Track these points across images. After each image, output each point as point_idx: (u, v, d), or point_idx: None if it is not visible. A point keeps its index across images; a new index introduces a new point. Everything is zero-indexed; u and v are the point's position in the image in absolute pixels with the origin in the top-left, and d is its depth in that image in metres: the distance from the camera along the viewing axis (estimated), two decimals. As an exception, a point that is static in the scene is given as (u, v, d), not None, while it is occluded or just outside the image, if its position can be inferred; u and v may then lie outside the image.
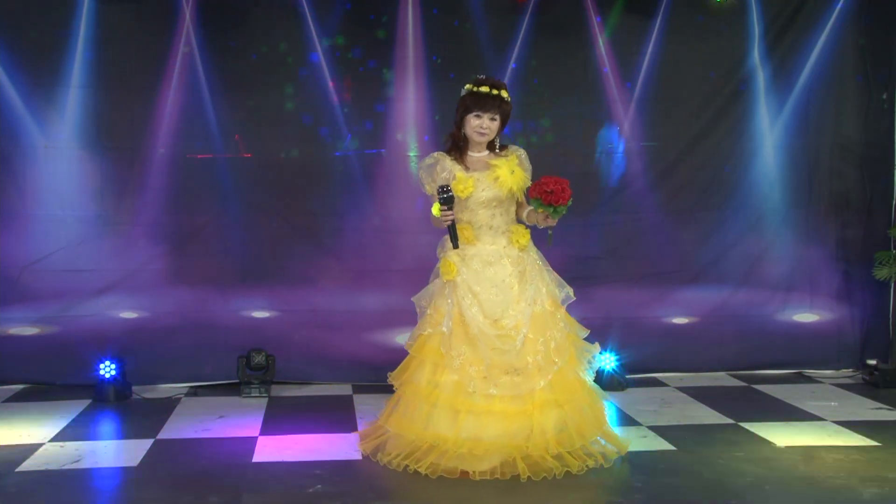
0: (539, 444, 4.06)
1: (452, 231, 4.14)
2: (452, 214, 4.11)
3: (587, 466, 4.10)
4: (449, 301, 4.21)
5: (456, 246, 4.16)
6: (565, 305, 4.38)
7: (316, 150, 6.05)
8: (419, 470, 4.02)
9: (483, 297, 4.17)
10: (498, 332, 4.13)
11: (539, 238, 4.42)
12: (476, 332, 4.12)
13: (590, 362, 4.34)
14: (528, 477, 3.95)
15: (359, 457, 4.35)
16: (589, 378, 4.34)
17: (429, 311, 4.30)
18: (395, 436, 4.23)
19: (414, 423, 4.14)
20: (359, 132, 6.06)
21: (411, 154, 6.04)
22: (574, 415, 4.20)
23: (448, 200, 4.08)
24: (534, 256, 4.34)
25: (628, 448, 4.37)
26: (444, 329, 4.16)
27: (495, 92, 4.22)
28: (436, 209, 4.13)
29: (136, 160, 5.88)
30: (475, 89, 4.24)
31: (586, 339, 4.41)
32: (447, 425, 4.07)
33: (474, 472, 4.00)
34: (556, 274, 4.41)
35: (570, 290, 4.39)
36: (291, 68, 6.00)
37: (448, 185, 4.10)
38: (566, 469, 4.03)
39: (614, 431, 4.49)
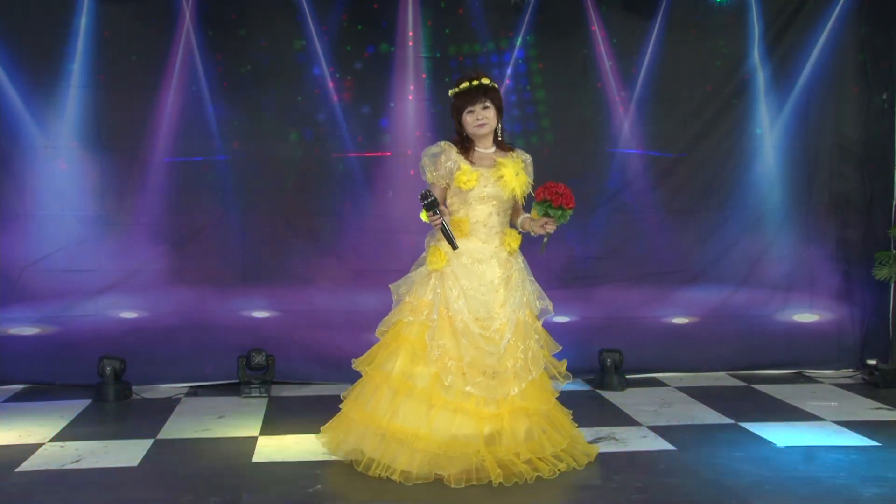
0: (511, 448, 4.04)
1: (446, 233, 4.10)
2: (439, 218, 4.06)
3: (559, 471, 4.06)
4: (436, 291, 4.15)
5: (455, 247, 4.12)
6: (542, 319, 4.33)
7: (316, 150, 6.06)
8: (392, 478, 3.94)
9: (470, 293, 4.14)
10: (482, 332, 4.10)
11: (528, 248, 4.39)
12: (460, 326, 4.08)
13: (555, 379, 4.31)
14: (500, 483, 3.89)
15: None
16: (554, 393, 4.31)
17: (407, 300, 4.21)
18: (360, 426, 4.13)
19: (379, 412, 4.05)
20: (359, 131, 6.06)
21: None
22: (542, 424, 4.19)
23: (431, 205, 4.00)
24: (521, 264, 4.31)
25: (597, 452, 4.34)
26: (435, 316, 4.10)
27: (476, 83, 4.19)
28: (424, 216, 4.08)
29: (137, 160, 5.88)
30: (457, 90, 4.23)
31: (556, 355, 4.35)
32: (419, 420, 4.00)
33: (449, 476, 3.94)
34: (537, 285, 4.35)
35: (549, 304, 4.33)
36: (291, 68, 6.00)
37: (428, 190, 4.04)
38: (537, 473, 3.99)
39: (582, 437, 4.44)
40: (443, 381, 4.03)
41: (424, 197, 4.00)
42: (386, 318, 4.27)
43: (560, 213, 4.05)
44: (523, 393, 4.13)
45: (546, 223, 4.10)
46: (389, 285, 4.31)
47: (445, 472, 3.96)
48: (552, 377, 4.31)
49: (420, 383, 4.06)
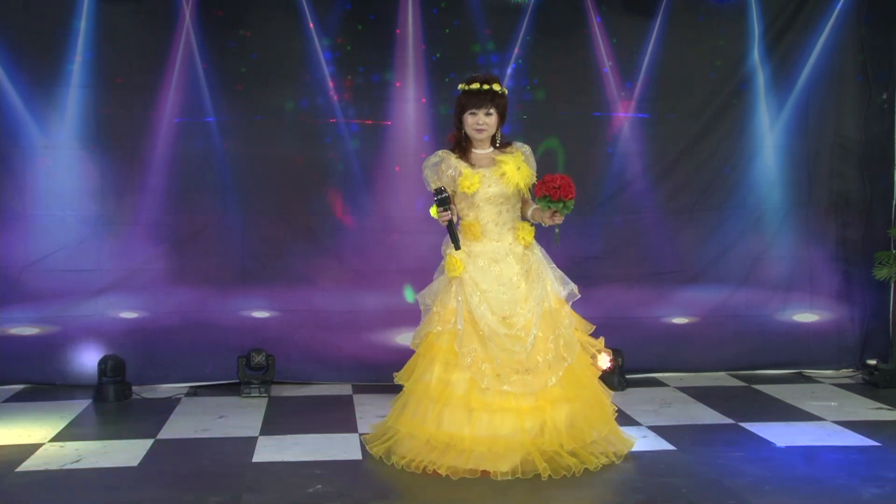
0: (553, 439, 4.07)
1: (452, 232, 4.13)
2: (449, 215, 4.10)
3: (601, 464, 4.12)
4: (458, 298, 4.19)
5: (458, 247, 4.16)
6: (570, 302, 4.38)
7: (316, 150, 6.05)
8: (439, 472, 4.00)
9: (490, 295, 4.17)
10: (508, 332, 4.13)
11: (544, 237, 4.41)
12: (486, 330, 4.11)
13: (595, 357, 4.35)
14: (549, 475, 3.95)
15: (359, 457, 4.35)
16: (596, 373, 4.35)
17: (435, 309, 4.27)
18: (406, 436, 4.19)
19: (426, 423, 4.12)
20: (359, 132, 6.06)
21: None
22: (584, 409, 4.21)
23: (443, 201, 4.06)
24: (538, 254, 4.35)
25: (634, 444, 4.39)
26: (459, 326, 4.14)
27: (486, 87, 4.21)
28: (433, 211, 4.12)
29: (136, 160, 5.88)
30: (467, 88, 4.25)
31: (591, 334, 4.41)
32: (461, 424, 4.06)
33: (496, 472, 3.99)
34: (559, 271, 4.40)
35: (574, 287, 4.37)
36: (291, 68, 6.00)
37: (443, 187, 4.11)
38: (584, 466, 4.04)
39: (619, 428, 4.47)
40: (479, 384, 4.07)
41: (439, 192, 4.05)
42: (418, 329, 4.33)
43: (561, 205, 4.07)
44: (561, 381, 4.16)
45: (553, 214, 4.13)
46: (416, 295, 4.39)
47: (492, 468, 4.00)
48: (592, 356, 4.34)
49: (458, 390, 4.10)
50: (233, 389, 5.76)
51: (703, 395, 5.70)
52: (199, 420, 5.10)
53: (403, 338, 5.70)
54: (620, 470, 4.17)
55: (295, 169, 6.04)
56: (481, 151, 4.31)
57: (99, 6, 5.74)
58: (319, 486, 3.95)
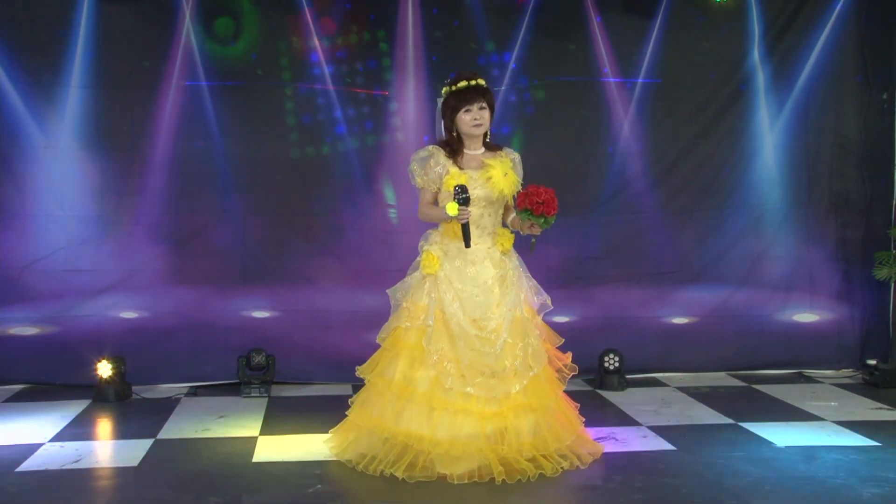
0: (513, 446, 4.06)
1: (466, 231, 4.12)
2: (469, 214, 4.10)
3: (562, 468, 4.10)
4: (431, 295, 4.18)
5: (468, 245, 4.14)
6: (542, 314, 4.37)
7: (316, 150, 6.06)
8: (395, 475, 3.99)
9: (464, 295, 4.16)
10: (478, 333, 4.12)
11: (523, 245, 4.39)
12: (457, 329, 4.10)
13: (561, 371, 4.34)
14: (503, 480, 3.93)
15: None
16: (561, 386, 4.34)
17: (405, 305, 4.26)
18: (366, 432, 4.19)
19: (384, 418, 4.10)
20: (359, 132, 6.06)
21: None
22: (547, 419, 4.21)
23: (466, 201, 4.06)
24: (515, 262, 4.33)
25: (602, 451, 4.38)
26: (430, 322, 4.13)
27: (473, 83, 4.22)
28: (452, 209, 4.05)
29: (136, 160, 5.88)
30: (453, 88, 4.24)
31: (559, 348, 4.40)
32: (421, 422, 4.04)
33: (452, 475, 3.98)
34: (534, 281, 4.38)
35: (547, 299, 4.37)
36: (291, 68, 6.00)
37: (465, 186, 4.08)
38: (540, 471, 4.02)
39: (587, 435, 4.46)
40: (443, 384, 4.06)
41: (462, 191, 4.03)
42: (386, 323, 4.31)
43: (542, 220, 4.05)
44: (525, 389, 4.15)
45: (532, 225, 4.12)
46: (387, 290, 4.36)
47: (449, 471, 3.99)
48: (558, 370, 4.33)
49: (421, 388, 4.09)
50: (233, 389, 5.76)
51: (703, 395, 5.70)
52: (199, 420, 5.10)
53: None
54: (621, 470, 4.16)
55: (295, 169, 6.04)
56: (472, 152, 4.30)
57: (99, 6, 5.74)
58: (319, 486, 3.95)
